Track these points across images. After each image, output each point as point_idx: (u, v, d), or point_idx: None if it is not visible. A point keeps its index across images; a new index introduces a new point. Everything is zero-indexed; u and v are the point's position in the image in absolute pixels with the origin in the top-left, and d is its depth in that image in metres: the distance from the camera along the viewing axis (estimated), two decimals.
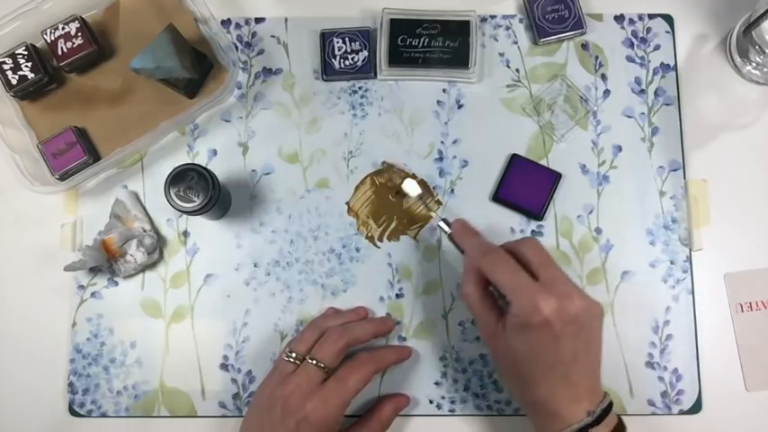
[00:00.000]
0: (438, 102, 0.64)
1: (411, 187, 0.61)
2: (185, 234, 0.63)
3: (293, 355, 0.55)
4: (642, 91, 0.64)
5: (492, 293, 0.53)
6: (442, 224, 0.57)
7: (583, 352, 0.49)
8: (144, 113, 0.63)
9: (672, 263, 0.62)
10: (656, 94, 0.64)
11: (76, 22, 0.62)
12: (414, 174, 0.63)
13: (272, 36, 0.66)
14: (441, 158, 0.64)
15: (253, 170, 0.64)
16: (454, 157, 0.64)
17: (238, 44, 0.65)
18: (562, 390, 0.48)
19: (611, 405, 0.49)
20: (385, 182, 0.62)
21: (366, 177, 0.63)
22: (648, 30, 0.65)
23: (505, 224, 0.62)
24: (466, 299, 0.53)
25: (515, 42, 0.65)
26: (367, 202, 0.63)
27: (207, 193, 0.56)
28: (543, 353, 0.48)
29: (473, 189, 0.63)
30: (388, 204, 0.63)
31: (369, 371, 0.54)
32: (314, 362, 0.53)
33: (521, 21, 0.66)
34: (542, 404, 0.49)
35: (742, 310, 0.61)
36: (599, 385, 0.50)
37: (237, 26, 0.66)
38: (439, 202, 0.63)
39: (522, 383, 0.50)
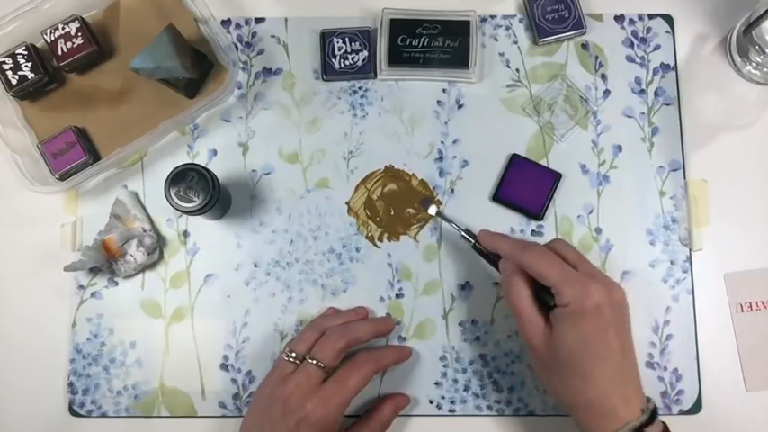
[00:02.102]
0: (438, 102, 0.64)
1: (431, 209, 0.62)
2: (185, 234, 0.63)
3: (293, 354, 0.55)
4: (642, 91, 0.64)
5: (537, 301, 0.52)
6: (465, 235, 0.58)
7: (628, 344, 0.50)
8: (144, 113, 0.63)
9: (672, 263, 0.62)
10: (656, 94, 0.64)
11: (76, 22, 0.62)
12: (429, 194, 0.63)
13: (272, 36, 0.66)
14: (441, 158, 0.64)
15: (253, 170, 0.64)
16: (454, 157, 0.64)
17: (238, 44, 0.65)
18: (617, 385, 0.48)
19: (656, 410, 0.49)
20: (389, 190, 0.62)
21: (367, 178, 0.63)
22: (648, 30, 0.65)
23: (505, 224, 0.62)
24: (516, 301, 0.52)
25: (515, 42, 0.65)
26: (368, 201, 0.63)
27: (207, 193, 0.56)
28: (596, 343, 0.48)
29: (473, 189, 0.63)
30: (388, 205, 0.63)
31: (369, 371, 0.54)
32: (314, 362, 0.53)
33: (521, 21, 0.66)
34: (597, 402, 0.48)
35: (742, 310, 0.61)
36: (641, 387, 0.50)
37: (237, 26, 0.66)
38: (439, 202, 0.63)
39: (574, 381, 0.49)
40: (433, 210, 0.61)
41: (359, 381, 0.53)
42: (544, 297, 0.52)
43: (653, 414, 0.48)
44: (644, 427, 0.47)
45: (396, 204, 0.63)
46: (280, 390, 0.53)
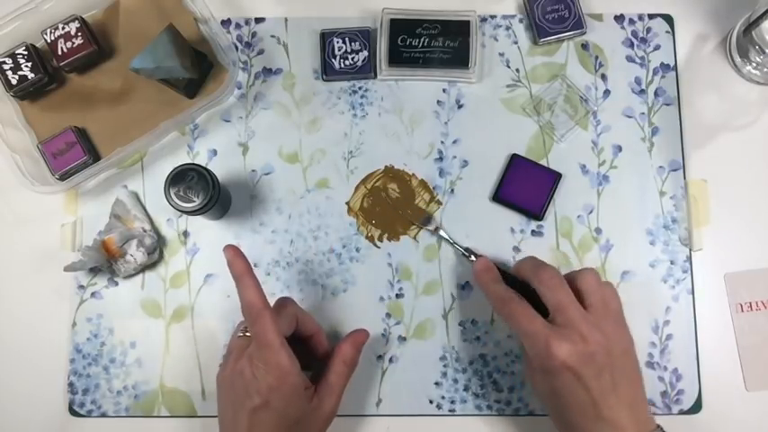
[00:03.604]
0: (438, 102, 0.64)
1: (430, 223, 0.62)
2: (185, 234, 0.63)
3: (244, 330, 0.53)
4: (642, 91, 0.64)
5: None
6: (467, 254, 0.60)
7: (609, 389, 0.48)
8: (144, 113, 0.63)
9: (672, 263, 0.62)
10: (656, 94, 0.64)
11: (76, 22, 0.62)
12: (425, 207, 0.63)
13: (272, 36, 0.66)
14: (441, 158, 0.64)
15: (253, 170, 0.64)
16: (454, 157, 0.64)
17: (238, 44, 0.65)
18: (597, 427, 0.48)
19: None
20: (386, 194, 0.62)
21: (367, 178, 0.63)
22: (648, 30, 0.65)
23: (505, 224, 0.62)
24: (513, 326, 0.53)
25: (515, 42, 0.65)
26: (368, 202, 0.63)
27: (207, 193, 0.56)
28: (569, 395, 0.48)
29: (473, 189, 0.63)
30: (387, 206, 0.63)
31: (255, 310, 0.50)
32: (244, 330, 0.53)
33: (521, 21, 0.66)
34: None
35: (742, 310, 0.61)
36: (645, 415, 0.50)
37: (237, 26, 0.66)
38: (439, 202, 0.63)
39: (562, 425, 0.51)
40: (432, 225, 0.61)
41: (264, 328, 0.49)
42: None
43: None
44: None
45: (391, 210, 0.63)
46: (238, 365, 0.51)
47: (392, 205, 0.62)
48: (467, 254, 0.60)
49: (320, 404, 0.51)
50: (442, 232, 0.61)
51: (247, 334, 0.52)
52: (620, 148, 0.63)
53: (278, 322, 0.50)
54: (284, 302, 0.54)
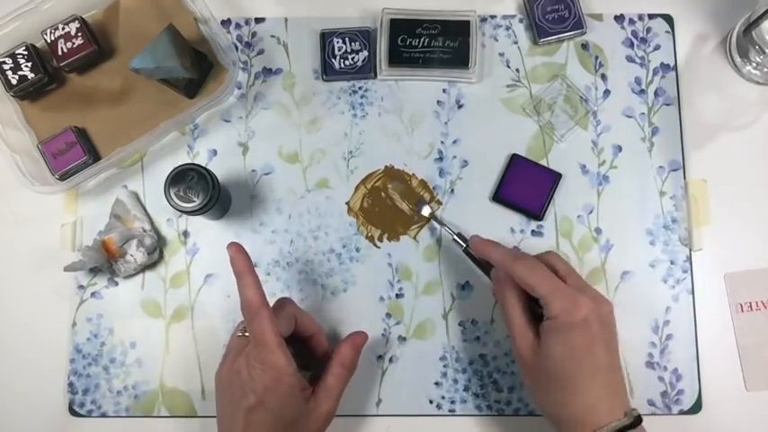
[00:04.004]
0: (438, 102, 0.64)
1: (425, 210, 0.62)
2: (185, 234, 0.63)
3: (243, 330, 0.53)
4: (642, 91, 0.64)
5: (528, 312, 0.52)
6: (457, 238, 0.59)
7: (615, 358, 0.50)
8: (144, 113, 0.63)
9: (672, 263, 0.62)
10: (656, 94, 0.64)
11: (76, 22, 0.62)
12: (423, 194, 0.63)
13: (272, 36, 0.66)
14: (441, 158, 0.64)
15: (253, 170, 0.64)
16: (454, 157, 0.64)
17: (238, 44, 0.65)
18: (602, 396, 0.48)
19: (641, 417, 0.49)
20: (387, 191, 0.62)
21: (367, 178, 0.63)
22: (648, 30, 0.65)
23: (505, 224, 0.62)
24: (506, 311, 0.52)
25: (515, 42, 0.65)
26: (367, 202, 0.63)
27: (207, 193, 0.56)
28: (582, 355, 0.48)
29: (473, 189, 0.63)
30: (387, 206, 0.63)
31: (253, 308, 0.50)
32: (243, 330, 0.53)
33: (521, 21, 0.66)
34: (582, 417, 0.48)
35: (742, 310, 0.61)
36: (627, 396, 0.50)
37: (237, 26, 0.66)
38: (439, 202, 0.63)
39: (561, 395, 0.49)
40: (426, 211, 0.61)
41: (261, 327, 0.49)
42: (535, 309, 0.52)
43: (636, 420, 0.48)
44: (626, 429, 0.47)
45: (389, 208, 0.63)
46: (235, 365, 0.51)
47: (399, 193, 0.62)
48: (459, 240, 0.59)
49: (317, 406, 0.51)
50: (426, 211, 0.61)
51: (246, 334, 0.52)
52: (620, 148, 0.63)
53: (276, 322, 0.50)
54: (283, 303, 0.54)
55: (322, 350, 0.56)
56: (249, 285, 0.50)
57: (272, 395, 0.49)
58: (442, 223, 0.61)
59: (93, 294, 0.62)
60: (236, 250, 0.51)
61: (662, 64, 0.65)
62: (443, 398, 0.60)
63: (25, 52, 0.62)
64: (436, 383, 0.61)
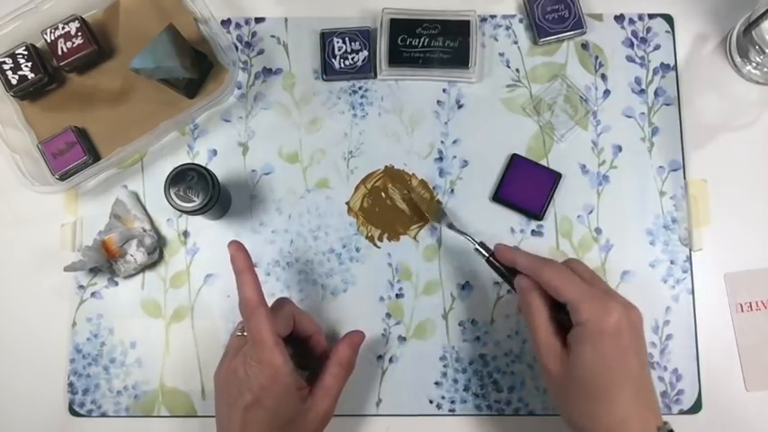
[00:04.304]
0: (438, 102, 0.64)
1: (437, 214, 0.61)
2: (185, 234, 0.63)
3: (242, 329, 0.53)
4: (642, 91, 0.64)
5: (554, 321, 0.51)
6: (480, 248, 0.56)
7: (645, 367, 0.48)
8: (144, 113, 0.63)
9: (672, 263, 0.62)
10: (656, 94, 0.64)
11: (76, 22, 0.62)
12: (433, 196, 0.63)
13: (272, 36, 0.66)
14: (441, 158, 0.64)
15: (253, 170, 0.64)
16: (454, 157, 0.64)
17: (238, 44, 0.65)
18: (637, 410, 0.46)
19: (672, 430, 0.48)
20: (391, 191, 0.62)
21: (367, 178, 0.63)
22: (648, 30, 0.65)
23: (505, 224, 0.62)
24: (532, 320, 0.50)
25: (515, 42, 0.65)
26: (367, 202, 0.63)
27: (207, 193, 0.56)
28: (616, 365, 0.47)
29: (473, 189, 0.63)
30: (387, 206, 0.63)
31: (250, 307, 0.50)
32: (242, 329, 0.52)
33: (521, 21, 0.66)
34: (616, 428, 0.46)
35: (742, 310, 0.61)
36: (659, 408, 0.49)
37: (237, 26, 0.66)
38: (439, 202, 0.63)
39: (593, 406, 0.47)
40: (446, 222, 0.60)
41: (258, 325, 0.49)
42: (561, 319, 0.50)
43: None
44: None
45: (391, 210, 0.63)
46: (233, 364, 0.51)
47: (404, 193, 0.62)
48: (482, 249, 0.56)
49: (314, 405, 0.51)
50: (453, 229, 0.59)
51: (245, 333, 0.52)
52: (620, 148, 0.63)
53: (274, 321, 0.50)
54: (282, 302, 0.54)
55: (320, 350, 0.55)
56: (248, 284, 0.50)
57: (268, 394, 0.48)
58: (463, 233, 0.59)
59: (93, 294, 0.62)
60: (237, 248, 0.51)
61: (662, 64, 0.65)
62: (443, 398, 0.60)
63: (25, 52, 0.62)
64: (436, 383, 0.61)
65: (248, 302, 0.50)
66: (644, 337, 0.49)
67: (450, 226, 0.60)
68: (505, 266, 0.54)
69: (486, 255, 0.56)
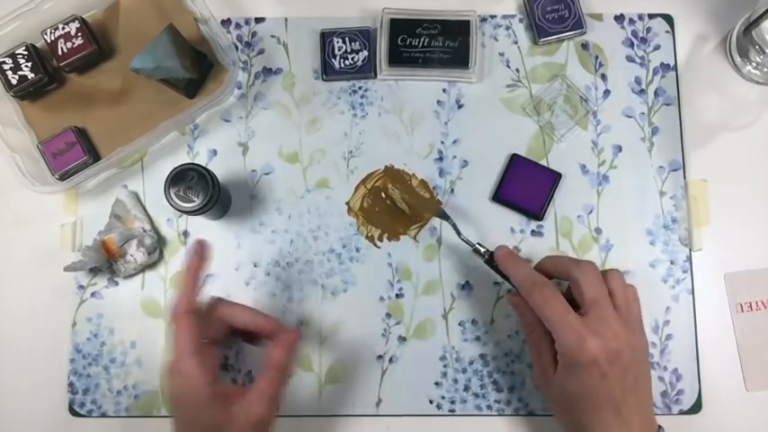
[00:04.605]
0: (438, 102, 0.64)
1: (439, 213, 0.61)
2: (185, 234, 0.63)
3: None
4: (642, 91, 0.64)
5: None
6: (479, 247, 0.57)
7: (631, 389, 0.49)
8: (144, 113, 0.63)
9: (672, 263, 0.62)
10: (656, 94, 0.64)
11: (76, 22, 0.62)
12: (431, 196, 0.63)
13: (272, 36, 0.66)
14: (441, 158, 0.64)
15: (253, 170, 0.64)
16: (454, 157, 0.64)
17: (238, 44, 0.65)
18: (614, 427, 0.48)
19: None
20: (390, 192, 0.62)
21: (367, 178, 0.63)
22: (648, 30, 0.65)
23: (505, 224, 0.62)
24: (528, 330, 0.54)
25: (515, 42, 0.65)
26: (367, 202, 0.63)
27: (207, 193, 0.56)
28: (592, 393, 0.48)
29: (473, 189, 0.63)
30: (387, 206, 0.63)
31: (178, 314, 0.49)
32: None
33: (521, 21, 0.66)
34: None
35: (742, 310, 0.61)
36: (653, 420, 0.50)
37: (237, 26, 0.66)
38: (439, 202, 0.63)
39: (574, 422, 0.50)
40: (450, 220, 0.60)
41: (181, 334, 0.49)
42: None
43: None
44: None
45: (391, 211, 0.63)
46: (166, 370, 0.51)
47: (404, 196, 0.62)
48: (480, 250, 0.57)
49: (246, 409, 0.48)
50: (453, 227, 0.59)
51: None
52: (620, 148, 0.63)
53: (195, 328, 0.49)
54: (213, 305, 0.53)
55: (284, 341, 0.53)
56: (181, 288, 0.50)
57: (182, 406, 0.49)
58: (460, 234, 0.59)
59: (93, 294, 0.62)
60: (196, 248, 0.51)
61: (662, 64, 0.65)
62: (443, 398, 0.60)
63: (25, 52, 0.62)
64: (436, 383, 0.61)
65: (174, 309, 0.49)
66: (635, 361, 0.49)
67: (453, 224, 0.59)
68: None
69: (485, 257, 0.57)
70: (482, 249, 0.57)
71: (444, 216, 0.60)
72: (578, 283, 0.50)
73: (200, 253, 0.51)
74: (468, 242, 0.58)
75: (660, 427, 0.50)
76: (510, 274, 0.54)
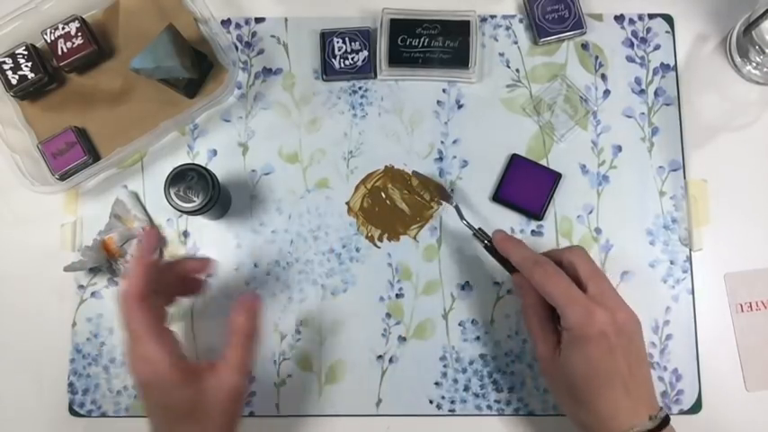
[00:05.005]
0: (438, 102, 0.64)
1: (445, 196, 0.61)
2: (185, 234, 0.63)
3: None
4: (642, 91, 0.64)
5: (551, 316, 0.53)
6: (478, 234, 0.57)
7: (635, 362, 0.49)
8: (144, 113, 0.63)
9: (672, 263, 0.62)
10: (656, 94, 0.64)
11: (76, 22, 0.62)
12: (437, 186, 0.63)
13: (272, 36, 0.66)
14: (441, 158, 0.64)
15: (253, 170, 0.64)
16: (454, 157, 0.64)
17: (238, 44, 0.65)
18: (623, 401, 0.48)
19: (668, 417, 0.49)
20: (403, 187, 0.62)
21: (367, 178, 0.63)
22: (648, 30, 0.65)
23: (505, 224, 0.62)
24: (527, 315, 0.53)
25: (515, 42, 0.65)
26: (367, 202, 0.63)
27: (207, 193, 0.56)
28: (600, 367, 0.48)
29: (473, 189, 0.63)
30: (387, 206, 0.63)
31: (127, 301, 0.48)
32: None
33: (521, 21, 0.66)
34: (606, 422, 0.48)
35: (742, 310, 0.61)
36: (655, 397, 0.50)
37: (237, 26, 0.66)
38: (439, 203, 0.63)
39: (581, 403, 0.49)
40: (452, 202, 0.60)
41: (134, 319, 0.47)
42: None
43: (662, 422, 0.48)
44: None
45: (391, 208, 0.63)
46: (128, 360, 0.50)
47: (404, 193, 0.62)
48: (480, 235, 0.57)
49: (218, 382, 0.48)
50: (456, 210, 0.59)
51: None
52: (620, 148, 0.63)
53: (149, 312, 0.48)
54: (161, 269, 0.51)
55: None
56: (131, 272, 0.48)
57: (152, 390, 0.48)
58: (463, 218, 0.59)
59: (93, 294, 0.62)
60: (146, 234, 0.50)
61: (662, 64, 0.65)
62: (443, 398, 0.60)
63: (25, 52, 0.62)
64: (436, 383, 0.61)
65: (121, 295, 0.48)
66: (635, 334, 0.50)
67: (456, 207, 0.59)
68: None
69: (484, 242, 0.57)
70: (483, 235, 0.57)
71: (448, 198, 0.60)
72: (573, 264, 0.51)
73: (149, 236, 0.50)
74: (470, 226, 0.58)
75: (662, 408, 0.49)
76: (510, 255, 0.54)
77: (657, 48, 0.65)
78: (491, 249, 0.56)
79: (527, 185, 0.62)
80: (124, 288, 0.48)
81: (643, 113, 0.64)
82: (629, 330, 0.49)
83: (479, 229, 0.57)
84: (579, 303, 0.48)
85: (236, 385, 0.48)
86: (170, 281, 0.53)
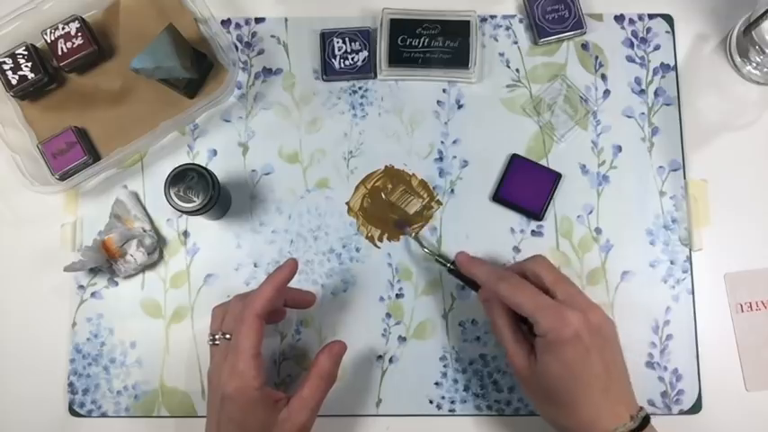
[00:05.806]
0: (438, 102, 0.64)
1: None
2: (185, 234, 0.63)
3: (210, 336, 0.53)
4: (642, 91, 0.64)
5: (521, 327, 0.53)
6: (440, 259, 0.59)
7: (612, 362, 0.49)
8: (144, 113, 0.63)
9: (672, 263, 0.62)
10: (656, 94, 0.64)
11: (76, 22, 0.62)
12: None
13: (272, 36, 0.66)
14: (441, 158, 0.64)
15: (253, 170, 0.64)
16: (454, 157, 0.64)
17: (238, 44, 0.65)
18: (603, 403, 0.48)
19: (648, 416, 0.49)
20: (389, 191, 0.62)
21: (367, 178, 0.63)
22: (648, 30, 0.65)
23: (505, 224, 0.62)
24: (497, 331, 0.53)
25: (515, 42, 0.65)
26: (367, 201, 0.63)
27: (207, 193, 0.56)
28: (578, 369, 0.48)
29: (473, 189, 0.63)
30: (386, 205, 0.63)
31: (250, 316, 0.50)
32: (222, 335, 0.52)
33: (521, 21, 0.66)
34: (587, 426, 0.48)
35: (742, 310, 0.61)
36: (634, 396, 0.50)
37: (237, 26, 0.66)
38: (439, 202, 0.63)
39: (562, 409, 0.49)
40: (408, 232, 0.61)
41: (248, 333, 0.49)
42: (529, 326, 0.51)
43: (643, 422, 0.48)
44: None
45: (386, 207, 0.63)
46: (209, 374, 0.52)
47: (388, 203, 0.62)
48: (441, 260, 0.58)
49: (291, 416, 0.50)
50: (415, 240, 0.61)
51: (210, 338, 0.53)
52: (620, 148, 0.63)
53: (260, 333, 0.50)
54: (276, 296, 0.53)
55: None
56: (263, 292, 0.51)
57: (234, 404, 0.49)
58: (423, 246, 0.60)
59: (93, 294, 0.62)
60: (288, 266, 0.52)
61: (662, 64, 0.65)
62: (443, 398, 0.60)
63: (25, 52, 0.62)
64: (436, 383, 0.61)
65: (249, 308, 0.50)
66: (608, 333, 0.50)
67: (415, 238, 0.61)
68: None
69: (447, 265, 0.58)
70: (445, 259, 0.58)
71: (403, 229, 0.61)
72: (536, 274, 0.52)
73: (291, 268, 0.52)
74: (431, 253, 0.59)
75: (641, 408, 0.49)
76: (474, 274, 0.55)
77: (657, 48, 0.65)
78: (455, 272, 0.58)
79: (527, 185, 0.62)
80: (251, 302, 0.50)
81: (643, 113, 0.64)
82: (604, 330, 0.50)
83: (440, 254, 0.59)
84: (549, 308, 0.49)
85: (305, 424, 0.51)
86: (278, 307, 0.55)
